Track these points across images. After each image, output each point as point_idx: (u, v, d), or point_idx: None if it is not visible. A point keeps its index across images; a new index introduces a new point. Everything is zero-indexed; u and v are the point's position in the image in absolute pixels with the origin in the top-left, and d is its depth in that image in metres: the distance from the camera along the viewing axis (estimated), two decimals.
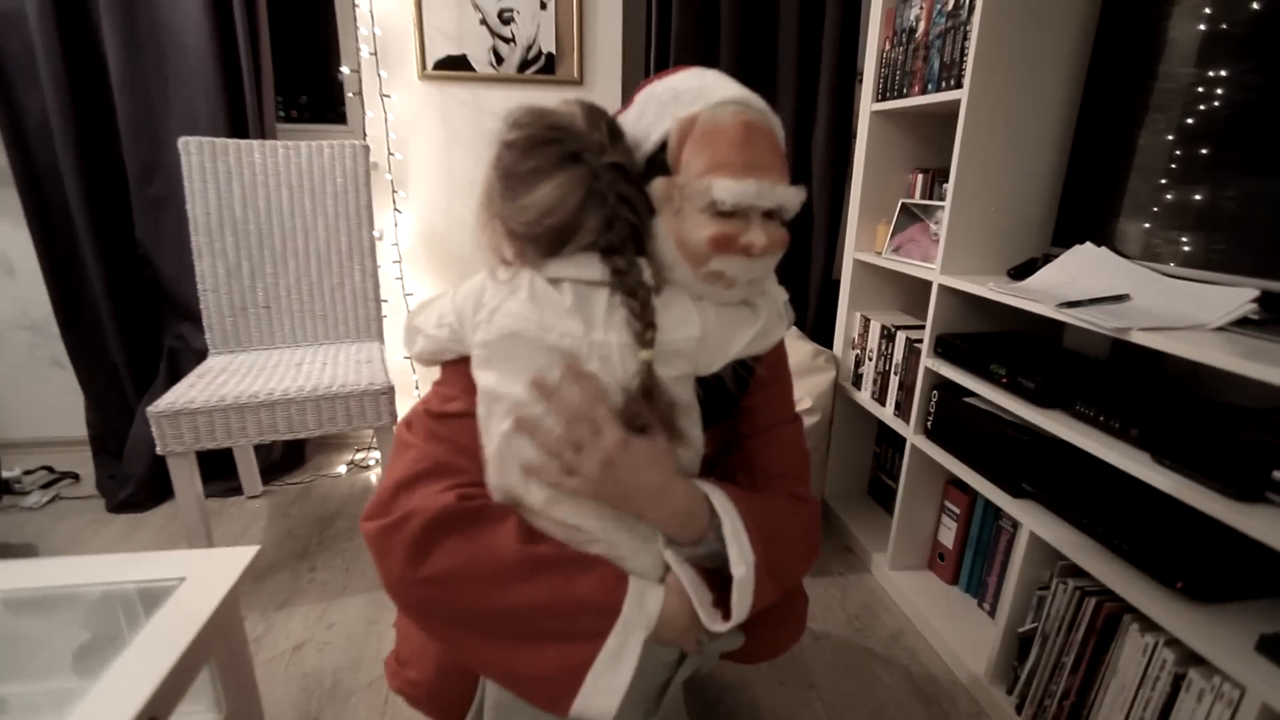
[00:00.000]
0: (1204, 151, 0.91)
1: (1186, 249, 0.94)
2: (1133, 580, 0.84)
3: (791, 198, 0.64)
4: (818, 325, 1.92)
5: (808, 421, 1.42)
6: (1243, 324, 0.82)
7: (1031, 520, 0.99)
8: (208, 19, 1.50)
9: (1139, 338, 0.81)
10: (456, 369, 0.69)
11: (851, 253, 1.52)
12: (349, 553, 1.49)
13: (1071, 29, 1.09)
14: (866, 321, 1.48)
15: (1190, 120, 0.93)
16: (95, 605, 0.74)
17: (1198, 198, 0.92)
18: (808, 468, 0.83)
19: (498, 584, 0.60)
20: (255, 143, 1.48)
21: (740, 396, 0.75)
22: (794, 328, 1.71)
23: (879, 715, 1.08)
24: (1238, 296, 0.83)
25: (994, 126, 1.11)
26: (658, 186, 0.63)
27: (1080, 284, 1.01)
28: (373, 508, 0.63)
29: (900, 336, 1.35)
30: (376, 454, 1.91)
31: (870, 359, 1.47)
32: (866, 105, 1.43)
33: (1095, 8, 1.08)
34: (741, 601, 0.67)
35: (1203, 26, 0.91)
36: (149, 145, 1.58)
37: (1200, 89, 0.91)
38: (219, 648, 0.74)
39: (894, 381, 1.38)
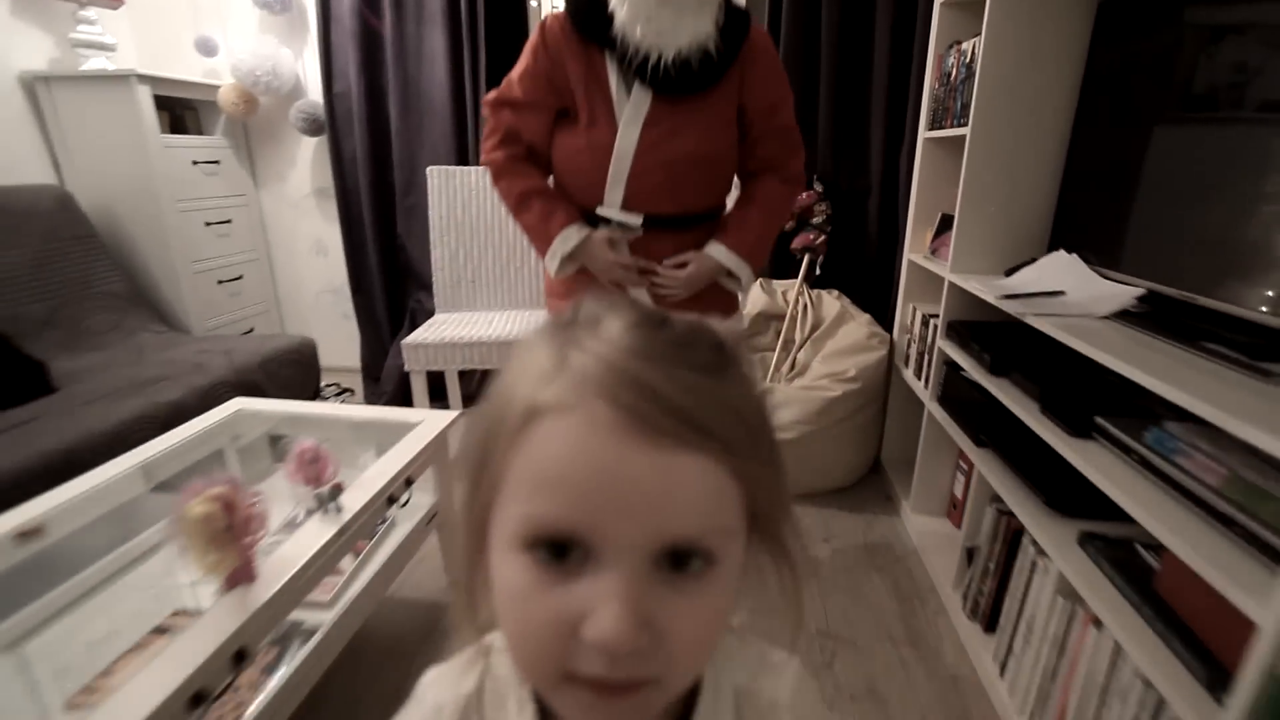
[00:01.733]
0: (1128, 180, 1.15)
1: (1118, 255, 1.18)
2: (1028, 504, 1.13)
3: None
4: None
5: (846, 389, 1.76)
6: (1124, 315, 1.07)
7: (981, 463, 1.29)
8: (449, 88, 2.23)
9: (1032, 320, 1.11)
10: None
11: (906, 254, 1.82)
12: None
13: (1060, 85, 1.34)
14: (914, 311, 1.78)
15: (1118, 159, 1.17)
16: (373, 429, 1.41)
17: (1128, 216, 1.16)
18: (798, 152, 1.22)
19: (514, 205, 1.18)
20: (472, 168, 2.16)
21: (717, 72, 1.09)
22: (866, 314, 2.03)
23: (860, 601, 1.44)
24: (1126, 293, 1.09)
25: (993, 156, 1.39)
26: None
27: (1040, 281, 1.28)
28: (487, 137, 1.18)
29: (932, 323, 1.65)
30: None
31: (914, 342, 1.77)
32: (922, 132, 1.73)
33: (1079, 71, 1.32)
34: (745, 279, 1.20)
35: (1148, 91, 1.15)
36: (409, 171, 2.36)
37: (1129, 137, 1.15)
38: (438, 458, 1.35)
39: (926, 359, 1.68)
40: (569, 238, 1.15)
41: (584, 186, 1.16)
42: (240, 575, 0.83)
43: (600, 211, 1.16)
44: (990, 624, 1.26)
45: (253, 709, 0.87)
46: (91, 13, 2.14)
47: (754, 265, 1.20)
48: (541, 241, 1.18)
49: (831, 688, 1.22)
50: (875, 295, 2.17)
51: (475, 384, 2.55)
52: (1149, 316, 1.05)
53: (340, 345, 2.79)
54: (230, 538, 0.79)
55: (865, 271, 2.21)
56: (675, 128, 1.11)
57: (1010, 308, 1.18)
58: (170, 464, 1.27)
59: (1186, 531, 0.75)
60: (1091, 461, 0.95)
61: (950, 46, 1.60)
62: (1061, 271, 1.28)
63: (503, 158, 1.17)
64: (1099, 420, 0.98)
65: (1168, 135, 1.08)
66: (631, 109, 1.10)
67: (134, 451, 1.26)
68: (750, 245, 1.18)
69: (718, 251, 1.16)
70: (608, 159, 1.12)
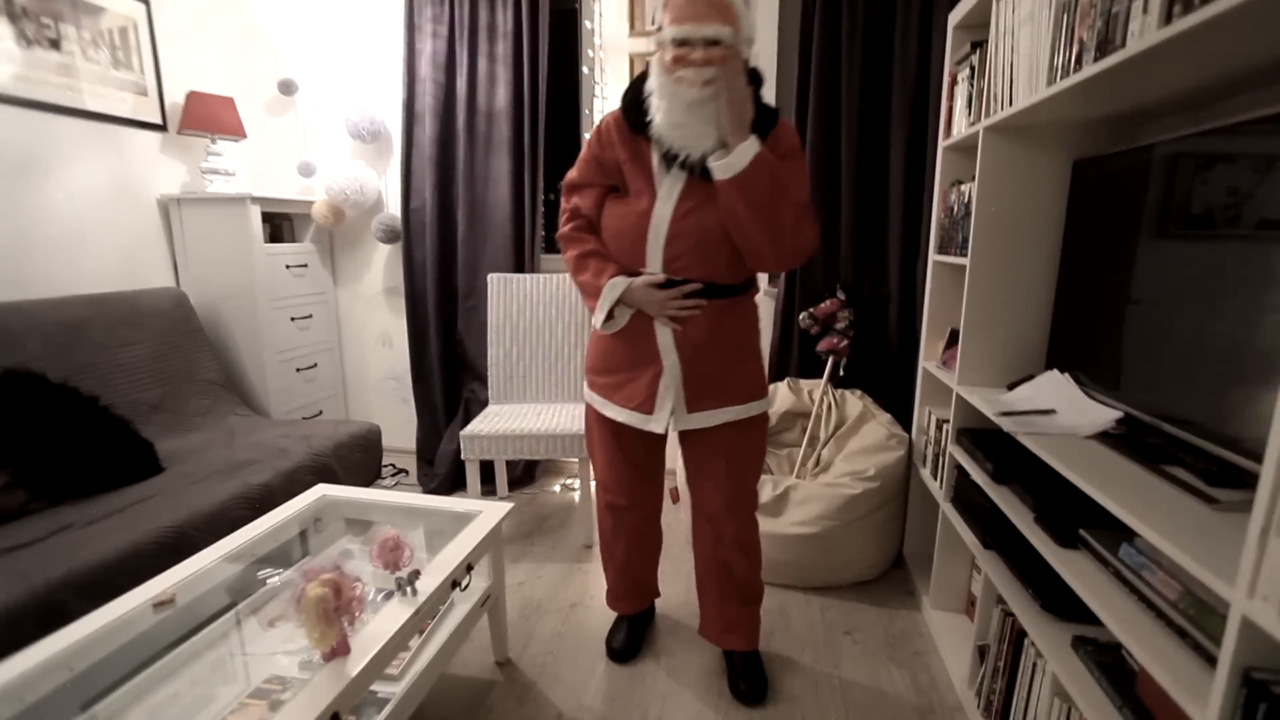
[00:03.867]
0: (1111, 312, 1.31)
1: (1102, 377, 1.32)
2: (1027, 606, 1.23)
3: (714, 31, 1.13)
4: None
5: (865, 487, 1.88)
6: (1104, 436, 1.20)
7: (987, 564, 1.39)
8: (511, 207, 2.54)
9: (1022, 438, 1.25)
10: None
11: (921, 362, 1.98)
12: (552, 541, 2.29)
13: (1048, 224, 1.52)
14: (929, 414, 1.92)
15: (1097, 290, 1.33)
16: (436, 516, 1.59)
17: (1111, 344, 1.31)
18: (813, 224, 1.32)
19: (573, 266, 1.42)
20: (527, 275, 2.43)
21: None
22: (888, 414, 2.17)
23: (879, 697, 1.52)
24: (1108, 415, 1.22)
25: (990, 284, 1.57)
26: (653, 39, 1.31)
27: (1034, 400, 1.42)
28: (561, 216, 1.47)
29: (945, 428, 1.78)
30: (578, 481, 2.72)
31: (930, 444, 1.90)
32: (931, 255, 1.92)
33: (1062, 213, 1.51)
34: (745, 150, 1.19)
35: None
36: (471, 276, 2.65)
37: (1111, 274, 1.32)
38: (495, 544, 1.52)
39: (940, 461, 1.80)
40: (616, 285, 1.34)
41: (628, 250, 1.35)
42: (339, 649, 1.00)
43: (643, 273, 1.35)
44: None
45: None
46: (220, 145, 2.55)
47: (751, 161, 1.20)
48: (592, 295, 1.38)
49: None
50: (897, 396, 2.31)
51: (520, 469, 2.74)
52: (1125, 439, 1.18)
53: (398, 428, 3.03)
54: (335, 617, 0.96)
55: (887, 374, 2.37)
56: (707, 201, 1.27)
57: (1005, 425, 1.32)
58: (266, 543, 1.47)
59: (1148, 639, 0.87)
60: (1075, 570, 1.06)
61: (953, 185, 1.81)
62: (1054, 391, 1.42)
63: (569, 229, 1.44)
64: (1082, 533, 1.10)
65: (1138, 269, 1.24)
66: (669, 184, 1.29)
67: (237, 533, 1.47)
68: (764, 155, 1.21)
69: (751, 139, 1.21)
70: (648, 223, 1.30)
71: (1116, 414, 1.22)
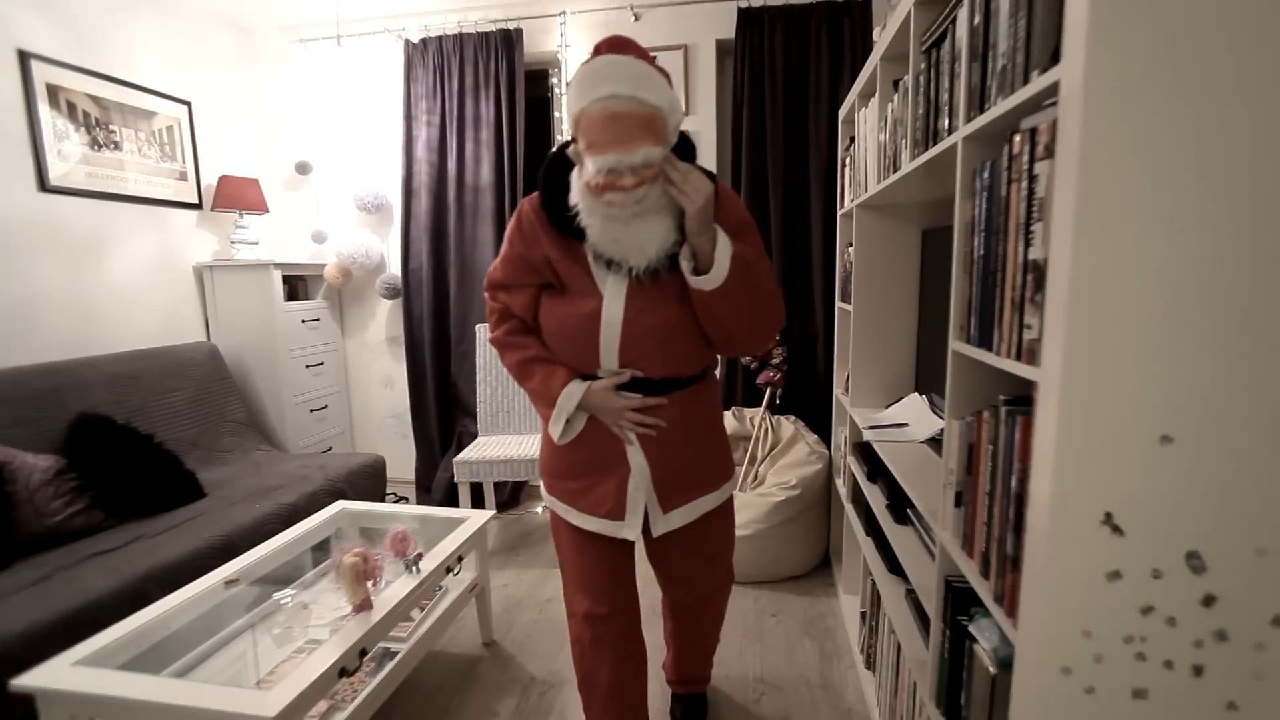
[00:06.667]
0: (938, 343, 1.73)
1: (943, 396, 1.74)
2: (880, 570, 1.62)
3: (643, 157, 0.99)
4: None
5: (788, 495, 2.28)
6: (933, 441, 1.61)
7: (866, 549, 1.78)
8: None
9: (875, 445, 1.65)
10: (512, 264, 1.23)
11: (836, 391, 2.40)
12: (533, 553, 2.66)
13: (908, 279, 1.96)
14: (841, 433, 2.32)
15: (940, 332, 1.76)
16: (434, 522, 1.97)
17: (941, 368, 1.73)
18: (778, 291, 1.24)
19: (517, 373, 1.26)
20: None
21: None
22: (815, 435, 2.57)
23: (791, 660, 1.89)
24: (936, 425, 1.63)
25: (869, 324, 1.99)
26: (572, 152, 1.09)
27: (897, 416, 1.83)
28: (489, 317, 1.30)
29: (847, 442, 2.18)
30: None
31: (843, 457, 2.30)
32: (837, 302, 2.36)
33: (918, 269, 1.95)
34: (721, 257, 1.09)
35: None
36: (461, 326, 3.08)
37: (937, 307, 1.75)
38: (478, 545, 1.90)
39: (845, 470, 2.20)
40: (572, 394, 1.19)
41: (578, 354, 1.20)
42: (365, 605, 1.38)
43: (600, 374, 1.21)
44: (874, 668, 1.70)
45: (362, 695, 1.39)
46: (246, 219, 3.00)
47: (730, 267, 1.10)
48: (545, 404, 1.23)
49: (756, 718, 1.66)
50: (824, 420, 2.72)
51: (507, 493, 3.12)
52: (939, 440, 1.59)
53: (398, 460, 3.41)
54: (363, 579, 1.35)
55: (816, 401, 2.78)
56: (659, 297, 1.16)
57: (866, 435, 1.72)
58: (297, 546, 1.86)
59: (923, 577, 1.26)
60: (903, 540, 1.46)
61: (848, 245, 2.26)
62: (913, 409, 1.83)
63: (502, 334, 1.28)
64: (908, 511, 1.50)
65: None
66: (614, 285, 1.15)
67: (274, 539, 1.85)
68: (739, 253, 1.12)
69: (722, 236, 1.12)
70: (597, 326, 1.15)
71: (941, 424, 1.63)
